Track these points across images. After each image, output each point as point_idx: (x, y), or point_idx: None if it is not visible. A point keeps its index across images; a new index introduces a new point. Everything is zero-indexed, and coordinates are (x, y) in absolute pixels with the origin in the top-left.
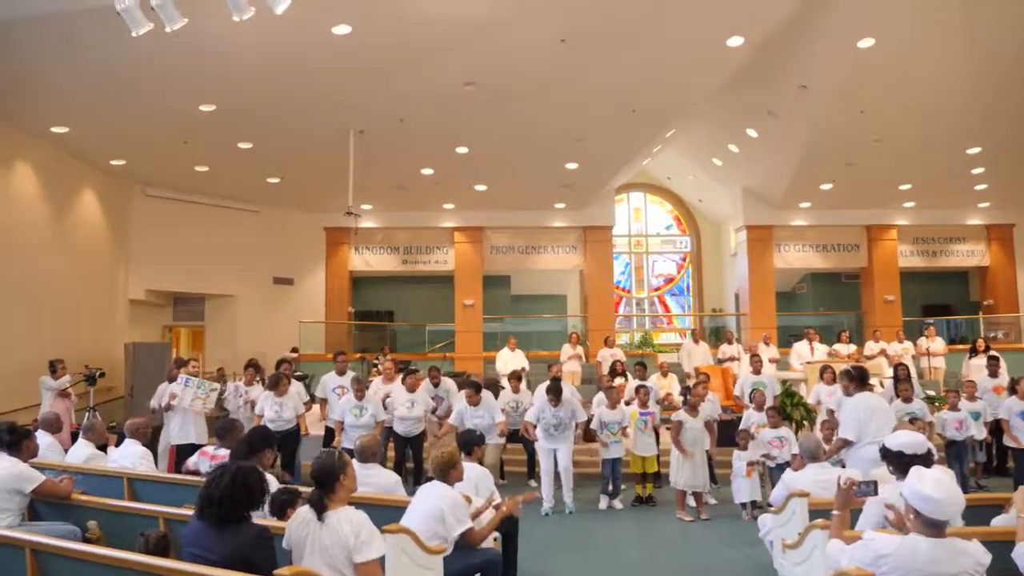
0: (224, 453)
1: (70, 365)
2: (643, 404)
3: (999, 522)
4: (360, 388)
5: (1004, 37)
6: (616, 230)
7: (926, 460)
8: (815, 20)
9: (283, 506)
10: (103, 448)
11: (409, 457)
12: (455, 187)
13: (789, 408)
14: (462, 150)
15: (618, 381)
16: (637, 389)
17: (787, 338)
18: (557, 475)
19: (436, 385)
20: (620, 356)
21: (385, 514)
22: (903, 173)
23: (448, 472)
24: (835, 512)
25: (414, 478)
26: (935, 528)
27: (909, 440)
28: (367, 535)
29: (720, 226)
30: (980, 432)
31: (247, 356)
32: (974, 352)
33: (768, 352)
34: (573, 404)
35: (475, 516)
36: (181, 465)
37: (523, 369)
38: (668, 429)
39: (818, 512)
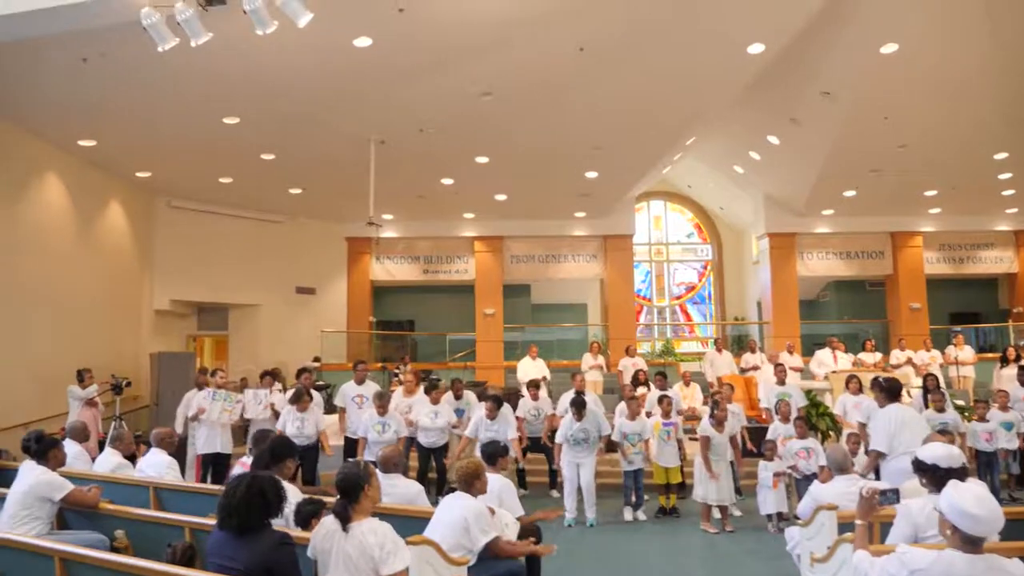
0: None
1: (96, 374)
2: (666, 415)
3: None
4: (383, 404)
5: None
6: (636, 238)
7: (960, 473)
8: (837, 26)
9: (308, 517)
10: (130, 458)
11: (432, 468)
12: (475, 196)
13: (815, 418)
14: (482, 160)
15: (640, 391)
16: (660, 399)
17: (811, 347)
18: (579, 487)
19: (458, 398)
20: (642, 365)
21: (408, 524)
22: (928, 179)
23: (472, 483)
24: (858, 522)
25: (437, 488)
26: (973, 544)
27: (943, 453)
28: (392, 546)
29: (742, 234)
30: (1012, 443)
31: (270, 365)
32: (1005, 361)
33: (792, 361)
34: (597, 416)
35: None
36: (207, 474)
37: (544, 378)
38: (692, 440)
39: (847, 525)
